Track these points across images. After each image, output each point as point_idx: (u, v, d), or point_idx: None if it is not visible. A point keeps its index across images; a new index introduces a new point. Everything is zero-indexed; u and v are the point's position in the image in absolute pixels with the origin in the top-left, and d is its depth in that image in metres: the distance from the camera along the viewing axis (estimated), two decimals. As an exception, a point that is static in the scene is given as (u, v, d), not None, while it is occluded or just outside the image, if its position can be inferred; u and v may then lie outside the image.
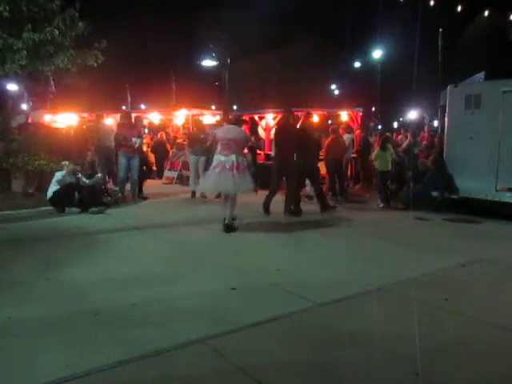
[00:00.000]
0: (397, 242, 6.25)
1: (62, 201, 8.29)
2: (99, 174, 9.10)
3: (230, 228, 6.75)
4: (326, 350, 3.19)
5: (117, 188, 10.56)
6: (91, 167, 9.27)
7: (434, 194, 8.50)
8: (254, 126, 15.81)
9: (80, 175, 8.69)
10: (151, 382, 2.81)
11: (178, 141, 14.76)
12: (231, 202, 6.84)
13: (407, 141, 12.02)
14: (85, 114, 16.21)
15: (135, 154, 9.94)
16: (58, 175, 8.50)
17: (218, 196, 10.26)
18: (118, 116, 15.87)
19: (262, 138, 14.61)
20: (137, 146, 9.96)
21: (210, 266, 5.17)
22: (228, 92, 14.00)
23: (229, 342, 3.27)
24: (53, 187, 8.37)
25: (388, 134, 12.17)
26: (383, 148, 9.38)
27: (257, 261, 5.35)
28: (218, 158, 6.81)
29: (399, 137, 15.36)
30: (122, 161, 9.92)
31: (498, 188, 7.85)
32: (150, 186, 13.24)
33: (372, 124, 17.49)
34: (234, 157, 6.70)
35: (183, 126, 15.58)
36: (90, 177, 8.76)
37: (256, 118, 14.95)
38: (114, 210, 8.75)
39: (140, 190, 10.38)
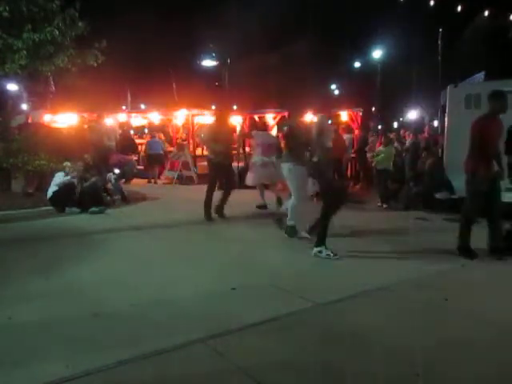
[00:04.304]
0: (397, 242, 6.24)
1: (62, 201, 8.30)
2: (93, 178, 9.03)
3: (279, 201, 8.41)
4: (326, 350, 3.19)
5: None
6: (90, 168, 9.26)
7: (438, 195, 8.47)
8: (253, 125, 15.82)
9: (78, 174, 8.66)
10: (151, 382, 2.82)
11: (179, 141, 14.81)
12: (273, 188, 8.83)
13: (410, 140, 12.00)
14: (85, 114, 16.21)
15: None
16: (60, 175, 8.49)
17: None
18: (118, 116, 15.92)
19: None
20: (113, 182, 10.03)
21: (210, 265, 5.17)
22: (228, 92, 13.99)
23: (229, 341, 3.27)
24: (53, 187, 8.38)
25: (390, 134, 12.16)
26: (387, 145, 9.42)
27: (257, 261, 5.35)
28: (261, 159, 8.63)
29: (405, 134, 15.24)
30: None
31: None
32: (150, 186, 13.27)
33: (372, 124, 17.49)
34: (269, 158, 8.57)
35: (183, 126, 15.59)
36: (86, 179, 8.76)
37: (256, 118, 14.96)
38: (114, 210, 8.75)
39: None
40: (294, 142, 6.29)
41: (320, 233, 5.51)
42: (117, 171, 10.18)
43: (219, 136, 7.65)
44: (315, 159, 5.66)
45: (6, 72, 10.05)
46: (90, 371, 2.83)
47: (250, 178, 8.97)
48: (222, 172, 7.82)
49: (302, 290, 4.24)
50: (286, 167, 6.37)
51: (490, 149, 5.32)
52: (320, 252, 5.41)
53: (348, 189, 5.75)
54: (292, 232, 6.42)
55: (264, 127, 9.77)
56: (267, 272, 4.88)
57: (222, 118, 8.29)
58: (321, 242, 5.45)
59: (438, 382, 2.85)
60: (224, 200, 7.88)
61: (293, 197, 6.45)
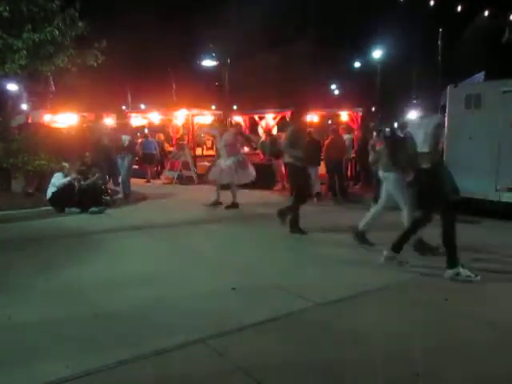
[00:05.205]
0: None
1: (61, 201, 8.30)
2: (97, 174, 9.03)
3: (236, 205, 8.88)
4: (325, 350, 3.19)
5: (117, 188, 10.58)
6: (89, 167, 9.25)
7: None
8: (253, 125, 15.82)
9: (76, 177, 8.63)
10: (151, 382, 2.82)
11: (179, 141, 14.82)
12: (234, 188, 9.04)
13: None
14: (85, 114, 16.22)
15: (126, 154, 10.05)
16: (58, 176, 8.49)
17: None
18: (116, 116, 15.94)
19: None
20: (126, 144, 10.00)
21: (210, 265, 5.17)
22: (228, 92, 13.98)
23: (229, 341, 3.27)
24: (51, 188, 8.38)
25: None
26: None
27: (257, 261, 5.35)
28: (232, 160, 8.92)
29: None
30: (120, 163, 10.17)
31: (498, 188, 7.85)
32: (149, 186, 13.27)
33: (372, 124, 17.47)
34: (235, 157, 8.86)
35: (183, 126, 15.60)
36: (86, 178, 8.75)
37: (256, 117, 14.96)
38: (114, 210, 8.75)
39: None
40: (399, 149, 5.56)
41: (450, 251, 4.71)
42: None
43: (298, 140, 6.97)
44: (426, 166, 4.88)
45: (5, 72, 10.04)
46: (89, 371, 2.83)
47: (214, 174, 9.23)
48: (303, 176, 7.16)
49: (302, 290, 4.24)
50: (390, 177, 5.67)
51: None
52: (457, 275, 4.58)
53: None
54: (426, 249, 5.67)
55: (227, 126, 9.79)
56: (267, 272, 4.88)
57: (299, 120, 7.54)
58: (454, 262, 4.65)
59: (437, 382, 2.85)
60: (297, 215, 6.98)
61: (405, 208, 5.64)
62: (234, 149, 8.96)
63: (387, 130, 5.94)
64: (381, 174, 5.88)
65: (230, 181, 8.97)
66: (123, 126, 10.30)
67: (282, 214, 7.04)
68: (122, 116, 11.13)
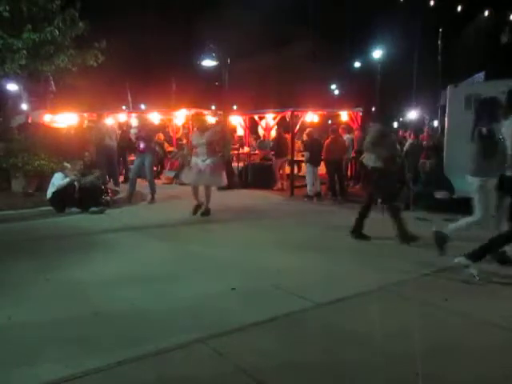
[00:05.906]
0: (397, 242, 6.24)
1: (61, 201, 8.29)
2: (97, 173, 9.01)
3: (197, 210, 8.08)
4: (325, 350, 3.19)
5: (117, 188, 10.56)
6: (88, 167, 9.25)
7: (438, 195, 8.46)
8: (253, 126, 15.82)
9: (77, 176, 8.63)
10: (151, 382, 2.81)
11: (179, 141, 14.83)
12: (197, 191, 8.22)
13: (409, 141, 11.95)
14: (85, 114, 16.23)
15: (145, 154, 9.43)
16: (59, 177, 8.48)
17: None
18: (118, 116, 15.97)
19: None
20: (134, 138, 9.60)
21: (210, 265, 5.17)
22: (228, 92, 13.96)
23: (229, 341, 3.27)
24: (52, 188, 8.38)
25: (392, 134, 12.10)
26: None
27: (257, 261, 5.35)
28: (212, 160, 8.02)
29: (406, 133, 15.10)
30: (135, 161, 9.75)
31: None
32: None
33: (372, 124, 17.42)
34: (211, 158, 8.06)
35: (183, 126, 15.60)
36: (85, 176, 8.75)
37: (256, 117, 14.96)
38: (114, 210, 8.74)
39: None
40: (495, 150, 4.94)
41: (484, 249, 4.61)
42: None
43: (386, 139, 6.42)
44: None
45: (5, 72, 10.05)
46: (89, 371, 2.83)
47: (190, 176, 8.31)
48: (389, 182, 6.52)
49: (302, 290, 4.24)
50: (476, 182, 5.10)
51: None
52: (466, 267, 4.60)
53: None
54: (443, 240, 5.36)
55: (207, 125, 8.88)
56: (267, 272, 4.88)
57: (384, 118, 7.10)
58: (477, 257, 4.60)
59: (437, 382, 2.85)
60: (402, 222, 6.44)
61: (477, 214, 5.11)
62: (214, 148, 8.24)
63: (484, 129, 5.14)
64: (470, 179, 5.24)
65: (205, 183, 8.13)
66: (145, 126, 9.88)
67: (402, 235, 6.22)
68: (143, 117, 11.07)
